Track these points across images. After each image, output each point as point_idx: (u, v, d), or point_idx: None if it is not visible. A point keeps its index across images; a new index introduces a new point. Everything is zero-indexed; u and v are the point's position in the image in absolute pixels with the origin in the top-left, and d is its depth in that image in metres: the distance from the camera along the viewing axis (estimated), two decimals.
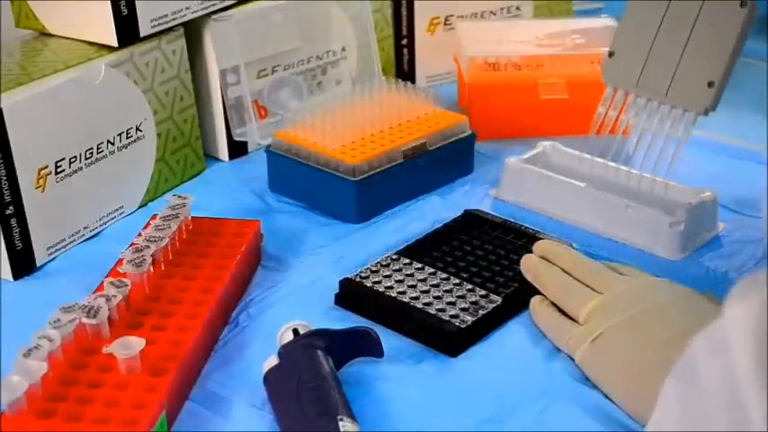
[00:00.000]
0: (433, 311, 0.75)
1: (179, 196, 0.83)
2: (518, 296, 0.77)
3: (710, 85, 0.83)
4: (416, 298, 0.77)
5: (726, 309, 0.46)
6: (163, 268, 0.77)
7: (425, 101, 0.99)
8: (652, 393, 0.52)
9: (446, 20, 1.20)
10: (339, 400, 0.64)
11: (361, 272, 0.80)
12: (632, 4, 0.88)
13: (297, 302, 0.79)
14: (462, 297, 0.77)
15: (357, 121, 0.95)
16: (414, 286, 0.78)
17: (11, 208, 0.81)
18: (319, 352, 0.68)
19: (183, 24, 0.96)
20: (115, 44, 0.90)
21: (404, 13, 1.18)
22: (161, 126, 0.96)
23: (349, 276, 0.80)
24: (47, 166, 0.84)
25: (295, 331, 0.70)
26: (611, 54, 0.89)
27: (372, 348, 0.71)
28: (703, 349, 0.47)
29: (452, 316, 0.74)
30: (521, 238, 0.85)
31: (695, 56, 0.84)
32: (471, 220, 0.88)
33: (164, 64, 0.95)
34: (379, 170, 0.92)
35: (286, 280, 0.83)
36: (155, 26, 0.93)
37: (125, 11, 0.90)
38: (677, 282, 0.77)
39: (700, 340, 0.48)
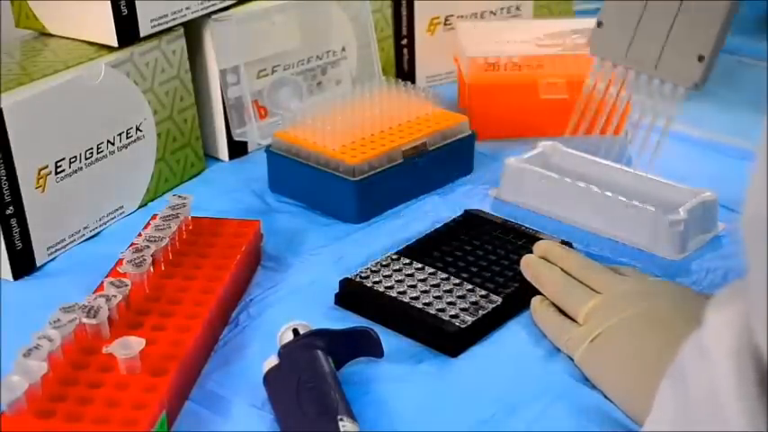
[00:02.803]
0: (433, 311, 0.75)
1: (179, 196, 0.83)
2: (518, 296, 0.77)
3: (700, 59, 0.81)
4: (416, 298, 0.77)
5: (706, 317, 0.47)
6: (163, 268, 0.77)
7: (425, 101, 0.99)
8: (650, 394, 0.52)
9: (446, 20, 1.20)
10: (339, 400, 0.64)
11: (361, 272, 0.80)
12: None
13: (297, 302, 0.79)
14: (462, 297, 0.77)
15: (357, 121, 0.95)
16: (414, 286, 0.78)
17: (11, 208, 0.81)
18: (319, 352, 0.68)
19: (183, 24, 0.96)
20: (115, 44, 0.90)
21: (404, 13, 1.18)
22: (161, 126, 0.96)
23: (349, 276, 0.80)
24: (47, 166, 0.84)
25: (295, 331, 0.70)
26: (599, 24, 0.87)
27: (372, 348, 0.71)
28: (691, 353, 0.47)
29: (452, 316, 0.74)
30: (521, 238, 0.85)
31: (685, 29, 0.82)
32: (471, 220, 0.88)
33: (164, 64, 0.95)
34: (379, 170, 0.92)
35: (286, 280, 0.83)
36: (155, 26, 0.93)
37: (125, 11, 0.90)
38: (677, 282, 0.77)
39: (689, 344, 0.48)
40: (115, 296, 0.71)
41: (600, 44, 0.87)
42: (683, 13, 0.82)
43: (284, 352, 0.68)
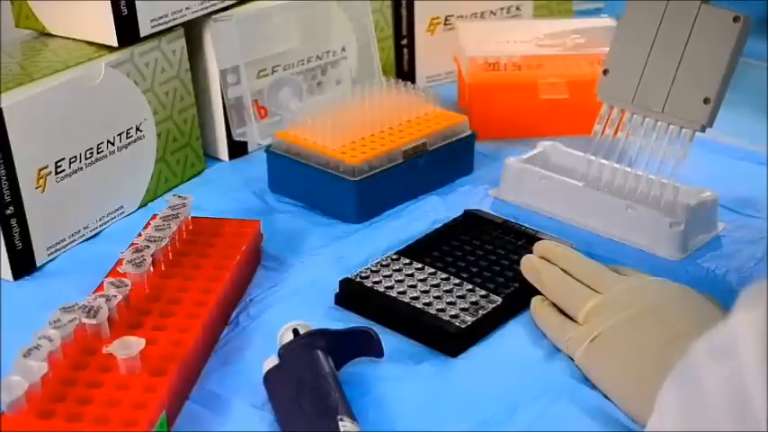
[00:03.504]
0: (433, 311, 0.75)
1: (179, 196, 0.83)
2: (518, 296, 0.77)
3: (706, 101, 0.82)
4: (416, 298, 0.77)
5: (732, 316, 0.46)
6: (163, 268, 0.77)
7: (425, 101, 0.99)
8: (651, 394, 0.51)
9: (446, 20, 1.20)
10: (339, 400, 0.64)
11: (361, 272, 0.80)
12: (625, 21, 0.87)
13: (297, 302, 0.79)
14: (462, 297, 0.77)
15: (357, 121, 0.95)
16: (414, 286, 0.78)
17: (11, 208, 0.81)
18: (319, 352, 0.68)
19: (183, 24, 0.96)
20: (115, 44, 0.90)
21: (404, 13, 1.18)
22: (161, 126, 0.96)
23: (349, 276, 0.80)
24: (47, 166, 0.84)
25: (295, 331, 0.70)
26: (605, 72, 0.88)
27: (372, 348, 0.71)
28: (704, 355, 0.47)
29: (452, 316, 0.74)
30: (521, 238, 0.85)
31: (690, 72, 0.83)
32: (471, 220, 0.88)
33: (164, 64, 0.95)
34: (379, 170, 0.92)
35: (286, 280, 0.83)
36: (155, 26, 0.93)
37: (125, 11, 0.90)
38: (677, 282, 0.76)
39: (700, 345, 0.47)
40: (115, 296, 0.70)
41: (607, 91, 0.88)
42: (687, 57, 0.83)
43: (284, 352, 0.68)
